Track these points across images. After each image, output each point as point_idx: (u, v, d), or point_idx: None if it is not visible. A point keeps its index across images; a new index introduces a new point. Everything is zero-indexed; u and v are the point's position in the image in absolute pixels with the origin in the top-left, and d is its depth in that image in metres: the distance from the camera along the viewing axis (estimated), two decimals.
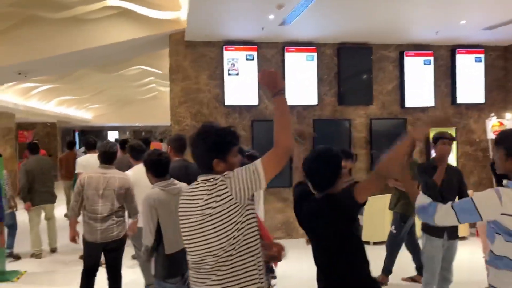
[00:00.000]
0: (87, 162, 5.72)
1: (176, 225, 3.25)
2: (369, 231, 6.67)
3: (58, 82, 11.72)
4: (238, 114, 7.40)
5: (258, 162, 2.01)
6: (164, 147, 13.46)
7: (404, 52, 7.77)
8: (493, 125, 7.49)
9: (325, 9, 5.88)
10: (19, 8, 6.19)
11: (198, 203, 2.04)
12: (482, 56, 7.96)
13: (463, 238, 6.73)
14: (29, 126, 17.88)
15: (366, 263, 2.45)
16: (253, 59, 7.25)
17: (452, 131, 7.58)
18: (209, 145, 2.07)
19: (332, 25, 6.71)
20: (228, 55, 7.20)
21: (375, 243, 6.62)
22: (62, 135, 20.31)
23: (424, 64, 7.81)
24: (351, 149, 7.62)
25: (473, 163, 8.06)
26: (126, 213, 4.34)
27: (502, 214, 2.09)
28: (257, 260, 2.05)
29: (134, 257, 5.42)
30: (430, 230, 3.91)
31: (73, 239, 4.31)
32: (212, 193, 2.00)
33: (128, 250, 4.67)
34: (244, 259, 2.01)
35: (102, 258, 4.32)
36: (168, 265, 3.19)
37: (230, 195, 1.97)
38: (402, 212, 5.17)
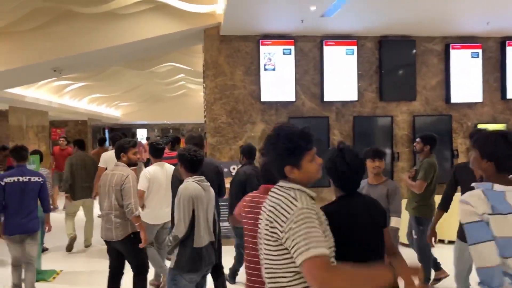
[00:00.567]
0: (109, 158, 5.84)
1: (205, 219, 3.33)
2: None
3: (90, 80, 11.74)
4: (275, 110, 7.14)
5: (309, 253, 1.65)
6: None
7: (450, 45, 7.34)
8: None
9: (366, 0, 5.56)
10: (55, 3, 6.10)
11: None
12: None
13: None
14: (62, 123, 18.14)
15: None
16: (290, 53, 6.98)
17: (502, 128, 7.14)
18: (279, 151, 1.87)
19: (373, 17, 6.37)
20: (265, 49, 6.95)
21: None
22: (92, 133, 20.55)
23: (472, 57, 7.36)
24: (393, 148, 7.28)
25: None
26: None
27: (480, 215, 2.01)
28: None
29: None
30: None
31: None
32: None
33: None
34: None
35: None
36: (193, 259, 3.24)
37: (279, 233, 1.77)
38: (419, 215, 4.80)
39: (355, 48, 7.11)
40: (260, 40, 6.94)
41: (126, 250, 4.12)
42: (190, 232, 3.23)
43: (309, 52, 7.16)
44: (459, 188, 4.12)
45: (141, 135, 25.83)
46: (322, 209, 2.01)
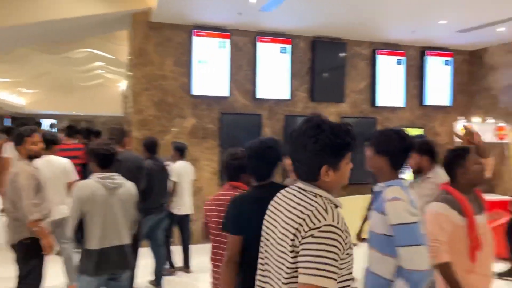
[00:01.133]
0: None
1: (107, 219, 3.00)
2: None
3: None
4: (206, 105, 6.83)
5: (313, 279, 1.45)
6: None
7: (377, 50, 7.61)
8: (461, 129, 7.53)
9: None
10: None
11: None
12: (451, 59, 8.01)
13: None
14: None
15: None
16: (225, 47, 6.71)
17: (420, 133, 7.55)
18: (320, 147, 1.57)
19: (308, 17, 6.34)
20: (198, 41, 6.61)
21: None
22: None
23: (397, 63, 7.70)
24: None
25: None
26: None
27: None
28: None
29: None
30: None
31: None
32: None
33: None
34: None
35: None
36: (87, 261, 3.00)
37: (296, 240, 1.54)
38: None
39: (289, 46, 7.06)
40: (194, 31, 6.59)
41: (15, 257, 3.56)
42: (81, 233, 3.03)
43: (244, 47, 6.96)
44: None
45: (47, 125, 23.75)
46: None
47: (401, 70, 7.73)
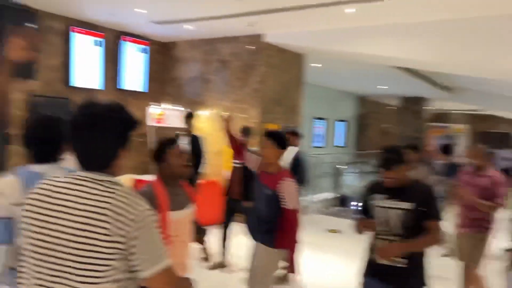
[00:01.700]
0: None
1: None
2: None
3: None
4: None
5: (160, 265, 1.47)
6: None
7: (73, 27, 7.23)
8: (154, 113, 8.10)
9: None
10: None
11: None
12: (146, 47, 8.46)
13: None
14: None
15: None
16: None
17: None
18: (117, 130, 1.48)
19: None
20: None
21: None
22: None
23: (95, 44, 7.53)
24: (8, 130, 6.46)
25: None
26: None
27: None
28: None
29: None
30: None
31: None
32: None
33: None
34: None
35: None
36: None
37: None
38: None
39: None
40: None
41: None
42: None
43: None
44: None
45: None
46: None
47: (99, 51, 7.61)
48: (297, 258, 3.11)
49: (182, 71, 8.79)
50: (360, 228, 2.78)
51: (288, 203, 3.05)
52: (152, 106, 8.23)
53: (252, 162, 3.43)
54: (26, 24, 6.45)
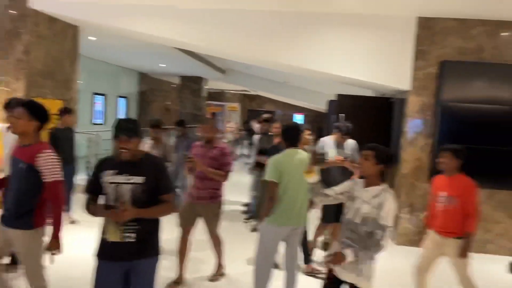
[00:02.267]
0: None
1: None
2: None
3: None
4: None
5: None
6: None
7: None
8: None
9: None
10: None
11: None
12: None
13: None
14: None
15: None
16: None
17: None
18: None
19: None
20: None
21: None
22: None
23: None
24: None
25: None
26: None
27: None
28: None
29: None
30: None
31: None
32: None
33: None
34: None
35: None
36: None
37: None
38: None
39: None
40: None
41: None
42: None
43: None
44: None
45: None
46: None
47: None
48: (61, 234, 2.98)
49: None
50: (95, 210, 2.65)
51: (48, 176, 2.88)
52: None
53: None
54: None
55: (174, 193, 2.73)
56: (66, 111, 6.13)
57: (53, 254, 2.94)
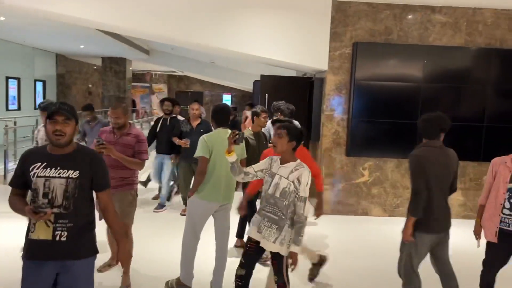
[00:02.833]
0: None
1: None
2: None
3: None
4: None
5: None
6: None
7: None
8: None
9: None
10: None
11: None
12: None
13: None
14: None
15: None
16: None
17: None
18: None
19: None
20: None
21: None
22: None
23: None
24: None
25: None
26: None
27: None
28: None
29: None
30: None
31: None
32: None
33: None
34: None
35: None
36: None
37: None
38: None
39: None
40: None
41: None
42: None
43: None
44: None
45: None
46: None
47: None
48: None
49: None
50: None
51: None
52: None
53: None
54: None
55: (108, 188, 2.54)
56: None
57: None
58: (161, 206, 6.44)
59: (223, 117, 3.82)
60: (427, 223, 3.12)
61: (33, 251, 2.37)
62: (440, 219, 3.18)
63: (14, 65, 13.38)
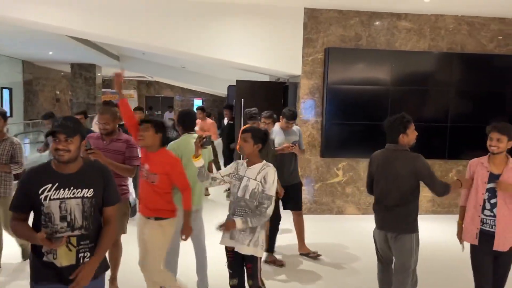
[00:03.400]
0: None
1: None
2: None
3: None
4: None
5: None
6: None
7: None
8: None
9: None
10: None
11: None
12: None
13: None
14: None
15: None
16: None
17: None
18: None
19: None
20: None
21: None
22: None
23: None
24: None
25: None
26: None
27: None
28: None
29: None
30: None
31: None
32: None
33: None
34: None
35: None
36: None
37: None
38: None
39: None
40: None
41: None
42: None
43: None
44: None
45: None
46: None
47: None
48: None
49: None
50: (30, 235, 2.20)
51: None
52: None
53: None
54: None
55: (118, 203, 2.43)
56: None
57: None
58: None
59: (190, 122, 3.85)
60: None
61: (48, 275, 2.23)
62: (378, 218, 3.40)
63: None
